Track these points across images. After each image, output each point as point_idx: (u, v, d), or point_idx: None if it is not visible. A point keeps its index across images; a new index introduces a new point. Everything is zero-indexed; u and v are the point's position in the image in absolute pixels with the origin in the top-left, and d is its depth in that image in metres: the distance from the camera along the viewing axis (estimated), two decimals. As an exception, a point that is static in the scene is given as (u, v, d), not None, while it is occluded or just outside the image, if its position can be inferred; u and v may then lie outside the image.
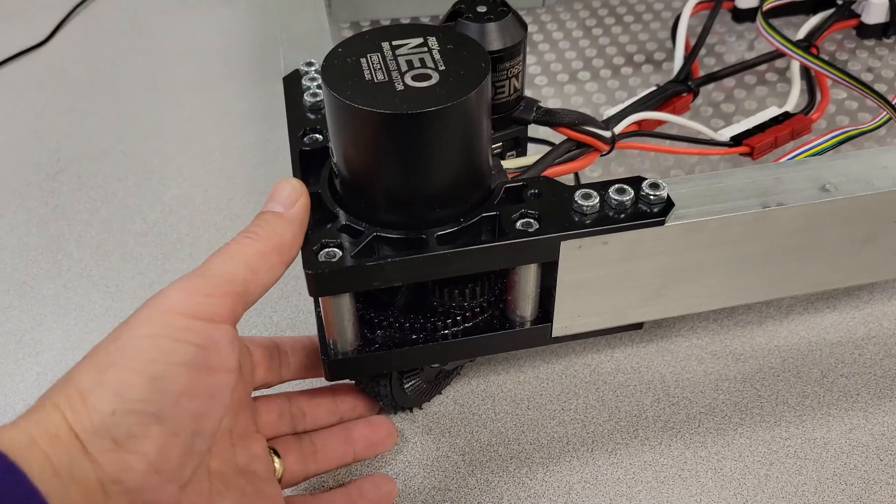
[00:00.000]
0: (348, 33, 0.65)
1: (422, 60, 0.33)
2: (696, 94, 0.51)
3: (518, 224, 0.34)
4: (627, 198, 0.35)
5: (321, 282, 0.33)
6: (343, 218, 0.35)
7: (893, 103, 0.48)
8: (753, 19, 0.60)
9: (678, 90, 0.50)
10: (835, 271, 0.39)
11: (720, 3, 0.58)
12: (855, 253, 0.39)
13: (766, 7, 0.56)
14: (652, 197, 0.35)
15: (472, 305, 0.37)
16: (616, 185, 0.35)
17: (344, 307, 0.35)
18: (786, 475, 0.41)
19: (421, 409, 0.45)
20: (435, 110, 0.31)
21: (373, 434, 0.40)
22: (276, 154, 0.63)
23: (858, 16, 0.60)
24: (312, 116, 0.41)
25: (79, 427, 0.26)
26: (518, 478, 0.42)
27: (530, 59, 0.60)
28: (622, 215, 0.35)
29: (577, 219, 0.35)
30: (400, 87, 0.32)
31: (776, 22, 0.61)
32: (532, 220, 0.34)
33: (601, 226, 0.34)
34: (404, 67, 0.33)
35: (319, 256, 0.33)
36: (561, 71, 0.59)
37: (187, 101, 0.70)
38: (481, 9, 0.38)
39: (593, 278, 0.36)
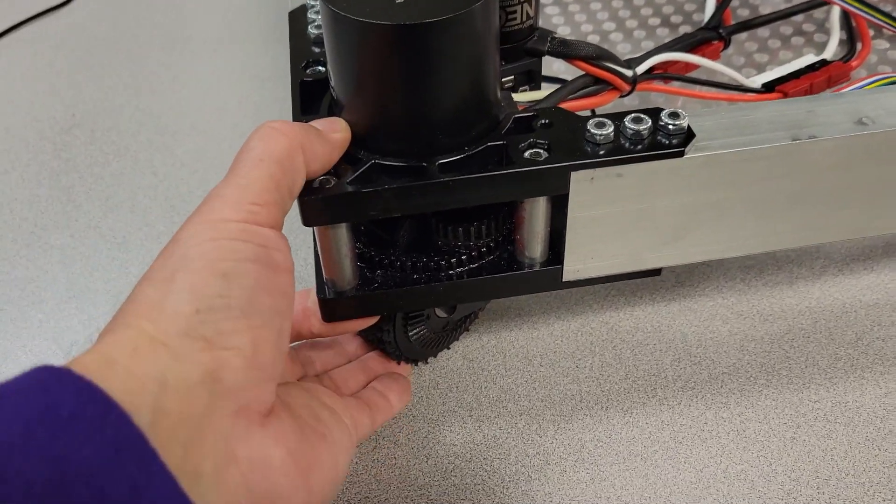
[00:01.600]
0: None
1: (425, -26, 0.31)
2: (727, 43, 0.49)
3: (526, 154, 0.32)
4: (644, 127, 0.32)
5: (315, 209, 0.31)
6: (341, 146, 0.33)
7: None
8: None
9: (708, 37, 0.48)
10: (873, 216, 0.36)
11: (756, -46, 0.55)
12: (894, 197, 0.36)
13: (805, -45, 0.53)
14: (671, 127, 0.32)
15: (479, 245, 0.35)
16: (633, 115, 0.33)
17: (341, 241, 0.33)
18: (814, 438, 0.39)
19: (427, 363, 0.43)
20: (435, 21, 0.29)
21: (387, 362, 0.39)
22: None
23: (905, -33, 0.56)
24: (317, 49, 0.39)
25: (162, 334, 0.24)
26: (527, 434, 0.40)
27: (553, 9, 0.58)
28: (638, 146, 0.32)
29: (589, 149, 0.32)
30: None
31: (816, -26, 0.58)
32: (541, 150, 0.32)
33: (615, 156, 0.32)
34: (406, -19, 0.31)
35: (314, 183, 0.31)
36: (585, 21, 0.57)
37: (205, 58, 0.68)
38: (493, -72, 0.35)
39: (607, 216, 0.34)
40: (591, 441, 0.39)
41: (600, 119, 0.33)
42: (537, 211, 0.33)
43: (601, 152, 0.32)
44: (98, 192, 0.56)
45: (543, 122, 0.34)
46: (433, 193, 0.31)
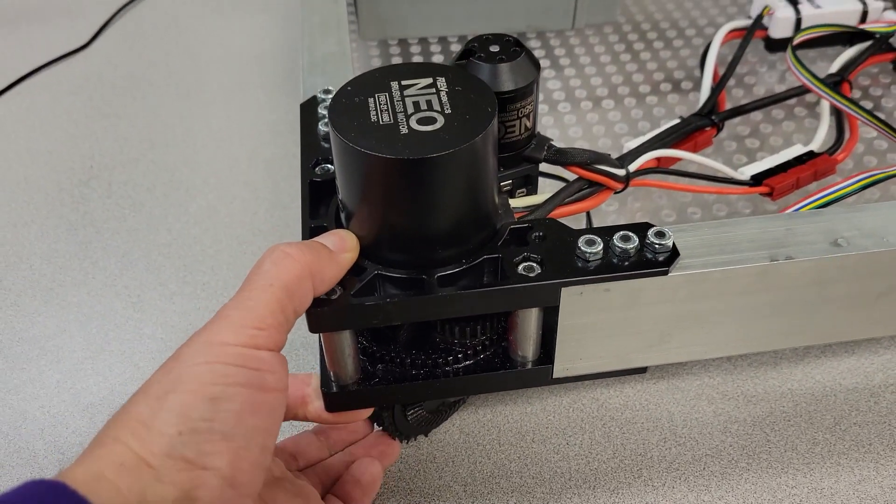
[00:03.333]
0: (376, 52, 0.65)
1: (429, 102, 0.33)
2: (719, 129, 0.51)
3: (520, 268, 0.34)
4: (632, 246, 0.34)
5: (320, 319, 0.33)
6: (347, 254, 0.35)
7: (923, 146, 0.47)
8: (786, 49, 0.59)
9: (701, 124, 0.50)
10: (846, 325, 0.39)
11: (752, 32, 0.57)
12: (869, 307, 0.38)
13: (798, 39, 0.55)
14: (657, 245, 0.35)
15: (474, 343, 0.37)
16: (621, 233, 0.35)
17: (344, 342, 0.35)
18: (788, 526, 0.41)
19: (426, 436, 0.45)
20: (436, 157, 0.31)
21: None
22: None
23: (895, 50, 0.58)
24: (326, 145, 0.41)
25: (146, 453, 0.26)
26: (517, 513, 0.42)
27: (555, 83, 0.60)
28: (626, 263, 0.34)
29: (579, 265, 0.34)
30: (404, 130, 0.32)
31: (811, 53, 0.60)
32: (534, 265, 0.34)
33: (603, 273, 0.34)
34: (410, 109, 0.33)
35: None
36: (585, 98, 0.59)
37: (219, 109, 0.71)
38: (494, 48, 0.38)
39: (595, 323, 0.36)
40: (577, 521, 0.42)
41: (590, 237, 0.35)
42: (529, 318, 0.36)
43: (590, 269, 0.34)
44: (114, 249, 0.58)
45: (538, 234, 0.36)
46: (432, 306, 0.34)
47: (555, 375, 0.38)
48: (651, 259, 0.35)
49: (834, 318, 0.38)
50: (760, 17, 0.58)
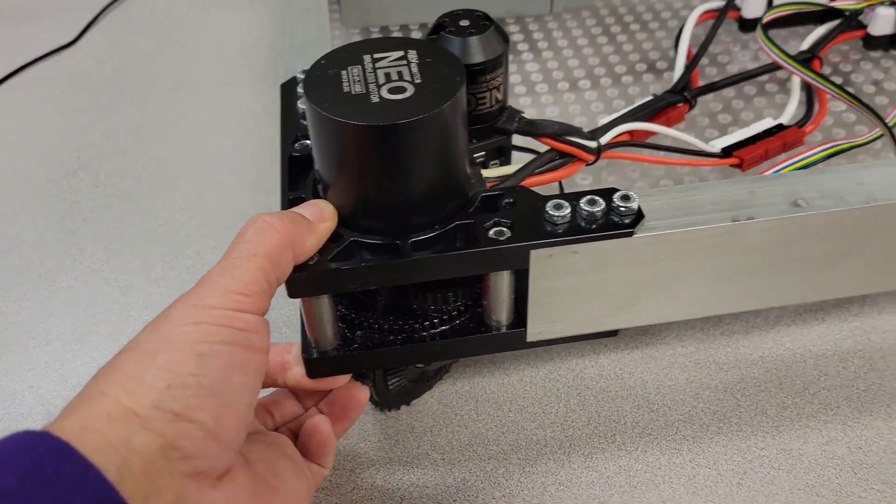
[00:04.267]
0: (358, 38, 0.66)
1: (399, 73, 0.34)
2: (692, 105, 0.52)
3: (490, 232, 0.35)
4: (598, 209, 0.36)
5: (299, 283, 0.34)
6: (323, 222, 0.36)
7: (889, 119, 0.48)
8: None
9: (673, 100, 0.51)
10: (810, 285, 0.40)
11: (725, 13, 0.58)
12: (830, 267, 0.39)
13: (769, 17, 0.56)
14: (622, 208, 0.36)
15: (450, 309, 0.39)
16: (588, 197, 0.36)
17: (323, 307, 0.36)
18: (758, 484, 0.42)
19: (407, 405, 0.46)
20: (405, 123, 0.32)
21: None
22: (285, 155, 0.65)
23: (865, 27, 0.60)
24: (305, 123, 0.42)
25: (136, 404, 0.27)
26: (494, 478, 0.43)
27: (532, 66, 0.61)
28: (593, 226, 0.36)
29: (548, 228, 0.36)
30: (375, 99, 0.33)
31: (783, 32, 0.61)
32: (504, 229, 0.36)
33: (571, 235, 0.35)
34: (382, 80, 0.34)
35: (298, 259, 0.34)
36: (562, 79, 0.60)
37: (205, 102, 0.72)
38: (464, 23, 0.39)
39: (565, 286, 0.37)
40: (553, 485, 0.43)
41: (558, 201, 0.36)
42: (501, 281, 0.37)
43: (559, 232, 0.35)
44: (101, 236, 0.59)
45: (508, 201, 0.37)
46: (406, 270, 0.35)
47: (529, 339, 0.39)
48: (617, 222, 0.36)
49: (799, 279, 0.39)
50: (733, -2, 0.59)
